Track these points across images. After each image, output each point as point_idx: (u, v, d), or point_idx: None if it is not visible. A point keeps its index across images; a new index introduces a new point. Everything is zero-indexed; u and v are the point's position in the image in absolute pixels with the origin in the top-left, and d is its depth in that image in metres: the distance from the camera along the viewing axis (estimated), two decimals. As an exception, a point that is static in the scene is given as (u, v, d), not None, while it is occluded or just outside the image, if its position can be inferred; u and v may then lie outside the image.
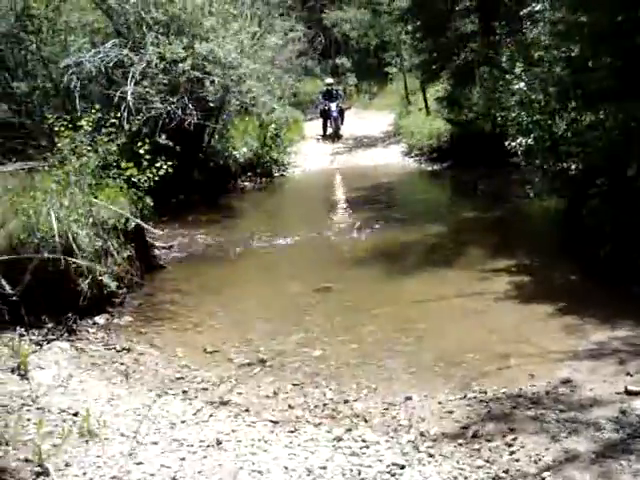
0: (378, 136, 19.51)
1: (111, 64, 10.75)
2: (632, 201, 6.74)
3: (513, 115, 9.05)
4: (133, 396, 4.98)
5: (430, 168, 15.34)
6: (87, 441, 4.12)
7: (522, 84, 8.79)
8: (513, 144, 8.89)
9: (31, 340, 5.74)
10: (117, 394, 4.99)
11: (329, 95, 19.53)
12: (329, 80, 20.90)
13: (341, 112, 19.57)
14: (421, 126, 16.89)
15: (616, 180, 7.08)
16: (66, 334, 6.15)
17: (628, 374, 4.82)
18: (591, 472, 3.70)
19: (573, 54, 8.07)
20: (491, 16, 14.08)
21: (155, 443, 4.20)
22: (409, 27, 16.91)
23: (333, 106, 19.09)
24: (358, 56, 28.81)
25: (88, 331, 6.35)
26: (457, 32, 15.11)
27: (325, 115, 19.48)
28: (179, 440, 4.25)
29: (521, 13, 9.77)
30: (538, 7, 8.63)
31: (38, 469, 3.70)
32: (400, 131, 18.70)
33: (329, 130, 19.46)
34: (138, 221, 7.61)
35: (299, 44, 18.05)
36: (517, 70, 9.20)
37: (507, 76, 9.65)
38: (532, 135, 8.60)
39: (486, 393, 4.81)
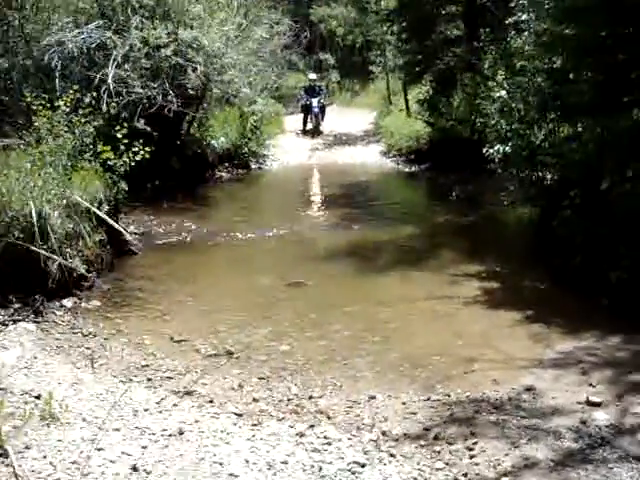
0: (358, 134, 19.52)
1: (93, 45, 10.64)
2: (604, 214, 6.83)
3: (492, 122, 9.13)
4: (97, 381, 4.95)
5: (408, 169, 15.40)
6: (48, 424, 4.09)
7: (503, 92, 8.86)
8: (491, 151, 8.95)
9: (-4, 320, 5.67)
10: (81, 378, 4.96)
11: (312, 91, 19.57)
12: (312, 76, 21.06)
13: (322, 108, 19.63)
14: (401, 127, 16.93)
15: (589, 192, 7.17)
16: (32, 315, 6.11)
17: (590, 385, 4.88)
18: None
19: (555, 66, 8.14)
20: (476, 22, 14.15)
21: (117, 430, 4.17)
22: (395, 28, 16.93)
23: (315, 102, 19.16)
24: (342, 53, 28.77)
25: (55, 313, 6.30)
26: (442, 36, 15.17)
27: (306, 110, 19.52)
28: (141, 428, 4.22)
29: (507, 22, 9.82)
30: (524, 17, 8.70)
31: (-3, 450, 3.66)
32: (380, 131, 18.73)
33: (309, 125, 19.51)
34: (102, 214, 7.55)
35: (284, 38, 17.95)
36: (499, 78, 9.29)
37: (489, 83, 9.74)
38: (510, 143, 8.67)
39: (450, 396, 4.85)
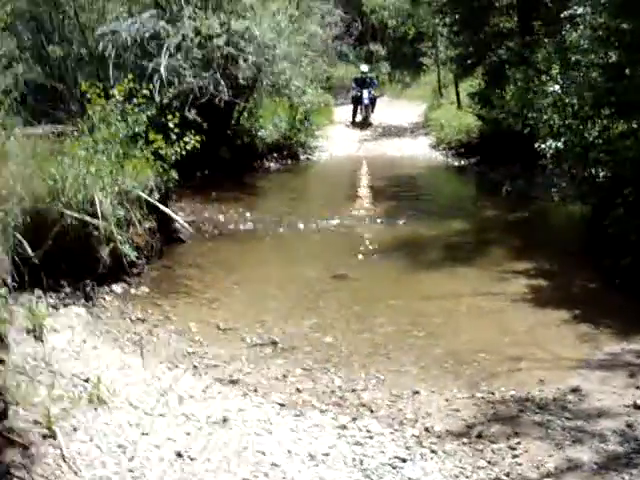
0: (407, 126, 19.40)
1: (147, 35, 10.78)
2: (658, 213, 6.68)
3: (545, 117, 8.98)
4: (144, 367, 5.04)
5: (457, 163, 15.24)
6: (96, 408, 4.19)
7: (557, 86, 8.71)
8: (543, 146, 8.81)
9: (48, 304, 5.81)
10: (129, 363, 5.06)
11: (362, 82, 19.41)
12: (364, 67, 20.68)
13: (373, 100, 19.57)
14: (451, 120, 16.76)
15: (643, 191, 7.02)
16: (83, 300, 6.24)
17: (638, 387, 4.80)
18: (592, 482, 3.71)
19: (611, 61, 7.97)
20: (530, 15, 13.92)
21: (162, 415, 4.25)
22: (447, 19, 16.74)
23: (365, 93, 19.00)
24: (394, 44, 28.58)
25: (105, 299, 6.43)
26: (495, 29, 14.94)
27: (356, 102, 19.47)
28: (186, 414, 4.30)
29: (562, 15, 9.63)
30: (580, 10, 8.52)
31: (46, 432, 3.75)
32: (429, 123, 18.57)
33: (359, 117, 19.48)
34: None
35: (336, 28, 17.92)
36: (553, 72, 9.12)
37: (542, 77, 9.57)
38: (563, 139, 8.52)
39: (494, 394, 4.82)
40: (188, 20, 10.74)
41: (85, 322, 5.81)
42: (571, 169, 8.62)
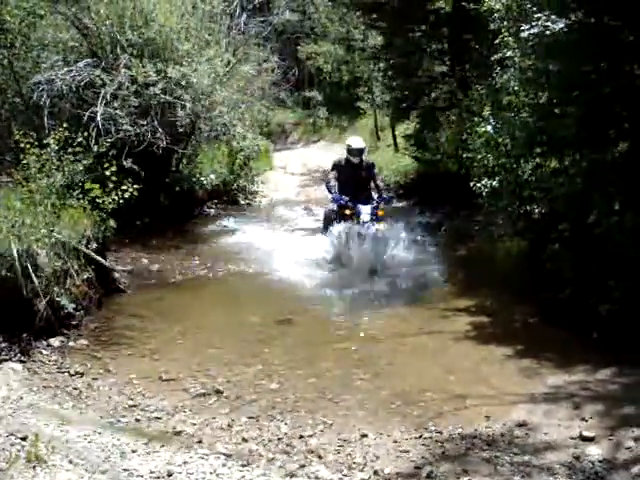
0: (347, 170, 19.56)
1: (82, 83, 10.69)
2: (592, 247, 6.85)
3: (479, 157, 9.18)
4: (84, 422, 4.88)
5: (396, 204, 15.42)
6: (34, 467, 4.02)
7: (489, 127, 8.92)
8: (478, 185, 8.99)
9: (-18, 360, 5.60)
10: (68, 419, 4.89)
11: (352, 177, 9.73)
12: (356, 143, 10.07)
13: (381, 238, 9.41)
14: (389, 162, 17.04)
15: (577, 226, 7.20)
16: (19, 355, 6.03)
17: (583, 419, 4.86)
18: (543, 518, 3.71)
19: (541, 101, 8.23)
20: (462, 59, 14.34)
21: (104, 472, 4.10)
22: (381, 65, 17.13)
23: (365, 211, 9.36)
24: (330, 90, 29.04)
25: (42, 353, 6.23)
26: (428, 73, 15.33)
27: (336, 219, 9.65)
28: (129, 470, 4.16)
29: (492, 59, 9.94)
30: (509, 54, 8.81)
31: (-20, 495, 3.59)
32: (368, 166, 18.81)
33: (350, 250, 9.30)
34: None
35: (273, 75, 18.11)
36: (485, 113, 9.36)
37: (475, 119, 9.81)
38: (497, 178, 8.72)
39: (442, 433, 4.81)
40: (124, 68, 10.71)
41: (22, 378, 5.62)
42: (507, 207, 8.79)
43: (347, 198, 9.44)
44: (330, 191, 9.65)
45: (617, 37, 6.88)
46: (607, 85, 6.78)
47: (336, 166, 9.93)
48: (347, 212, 9.42)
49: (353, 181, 9.72)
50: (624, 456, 4.31)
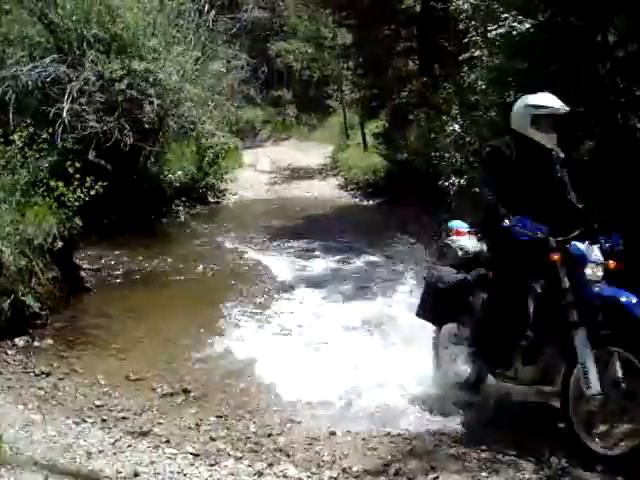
0: (316, 168, 19.63)
1: (48, 79, 10.55)
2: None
3: (447, 156, 9.25)
4: (50, 423, 4.81)
5: (365, 203, 15.49)
6: (-2, 469, 3.95)
7: (457, 126, 8.99)
8: (446, 184, 9.06)
9: (-56, 360, 5.51)
10: (33, 420, 4.81)
11: (543, 177, 4.81)
12: (552, 100, 4.99)
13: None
14: (358, 161, 17.11)
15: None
16: (-18, 355, 5.93)
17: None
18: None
19: (508, 100, 8.29)
20: (430, 59, 14.43)
21: (70, 473, 4.05)
22: (351, 63, 17.18)
23: (592, 257, 4.45)
24: (300, 88, 29.05)
25: (7, 353, 6.14)
26: (397, 72, 15.40)
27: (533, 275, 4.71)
28: (95, 471, 4.11)
29: (460, 58, 10.01)
30: (477, 53, 8.87)
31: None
32: (338, 164, 18.87)
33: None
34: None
35: (242, 72, 18.03)
36: (453, 112, 9.43)
37: (443, 117, 9.88)
38: (465, 176, 8.79)
39: (409, 430, 4.83)
40: (90, 64, 10.60)
41: (-15, 379, 5.53)
42: (474, 204, 8.85)
43: (545, 228, 4.59)
44: (502, 215, 4.65)
45: (584, 37, 6.95)
46: (573, 85, 6.86)
47: (498, 161, 4.89)
48: (555, 257, 4.52)
49: (543, 188, 4.81)
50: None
